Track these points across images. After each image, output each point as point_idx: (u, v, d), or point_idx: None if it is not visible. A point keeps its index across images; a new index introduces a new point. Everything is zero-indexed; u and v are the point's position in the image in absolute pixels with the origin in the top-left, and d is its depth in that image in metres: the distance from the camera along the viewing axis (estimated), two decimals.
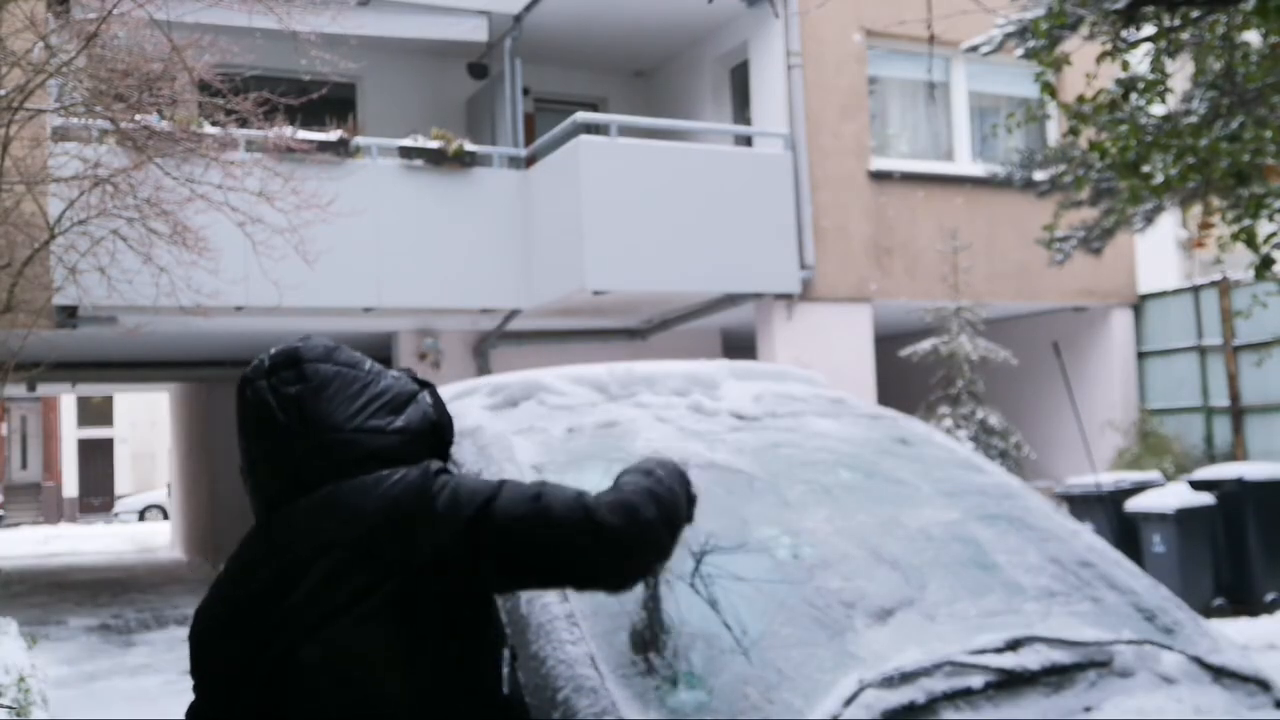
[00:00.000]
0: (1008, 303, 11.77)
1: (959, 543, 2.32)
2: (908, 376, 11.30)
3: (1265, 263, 6.03)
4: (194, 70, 6.65)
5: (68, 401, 31.67)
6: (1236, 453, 11.06)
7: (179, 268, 7.56)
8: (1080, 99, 6.07)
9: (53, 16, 7.64)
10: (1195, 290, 11.82)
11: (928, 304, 10.96)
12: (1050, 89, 6.01)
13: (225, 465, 13.93)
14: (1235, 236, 6.11)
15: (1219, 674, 2.07)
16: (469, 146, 10.18)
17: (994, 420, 10.40)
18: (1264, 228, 6.32)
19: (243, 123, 7.13)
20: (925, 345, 10.65)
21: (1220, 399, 11.34)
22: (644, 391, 2.64)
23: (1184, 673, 2.02)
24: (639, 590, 1.91)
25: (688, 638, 1.91)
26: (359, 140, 9.81)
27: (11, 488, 31.40)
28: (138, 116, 6.75)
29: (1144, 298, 12.35)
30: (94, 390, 25.49)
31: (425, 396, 1.83)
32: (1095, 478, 9.21)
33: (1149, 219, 9.23)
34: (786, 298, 10.59)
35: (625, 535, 1.61)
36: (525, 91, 11.47)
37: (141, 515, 28.52)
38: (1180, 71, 7.32)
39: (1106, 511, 8.70)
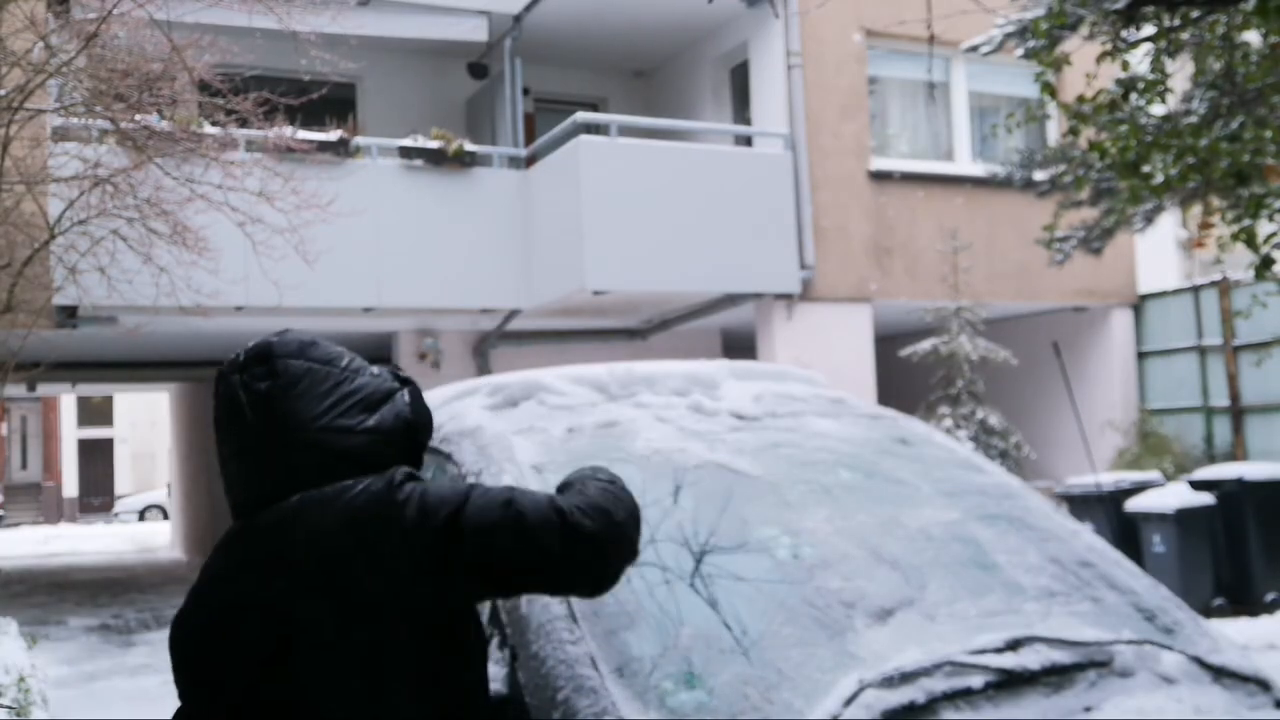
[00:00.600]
0: (1008, 303, 11.77)
1: (959, 543, 2.32)
2: (908, 376, 11.30)
3: (1265, 263, 6.02)
4: (194, 70, 6.65)
5: (68, 401, 31.68)
6: (1236, 453, 11.06)
7: (179, 268, 7.56)
8: (1080, 99, 6.07)
9: (53, 16, 7.64)
10: (1195, 290, 11.82)
11: (928, 304, 10.96)
12: (1050, 89, 6.01)
13: None
14: (1235, 236, 6.11)
15: (1219, 674, 2.07)
16: (469, 146, 10.18)
17: (994, 420, 10.40)
18: (1264, 228, 6.32)
19: (243, 123, 7.13)
20: (925, 345, 10.65)
21: (1220, 399, 11.35)
22: (644, 391, 2.64)
23: (1184, 673, 2.02)
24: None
25: (688, 638, 1.91)
26: (359, 140, 9.81)
27: (11, 488, 31.40)
28: (138, 116, 6.75)
29: (1144, 298, 12.35)
30: (94, 390, 25.49)
31: (403, 395, 1.77)
32: (1095, 478, 9.21)
33: (1149, 219, 9.23)
34: (786, 298, 10.59)
35: (599, 538, 1.57)
36: (525, 91, 11.47)
37: (141, 515, 28.52)
38: (1180, 71, 7.33)
39: (1106, 511, 8.70)
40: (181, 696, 1.67)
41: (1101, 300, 12.12)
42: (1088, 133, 6.64)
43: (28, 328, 7.35)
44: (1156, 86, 5.96)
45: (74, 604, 12.60)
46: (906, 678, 1.83)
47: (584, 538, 1.56)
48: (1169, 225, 14.03)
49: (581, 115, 9.89)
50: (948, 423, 10.28)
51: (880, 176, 11.13)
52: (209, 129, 7.37)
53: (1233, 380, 11.19)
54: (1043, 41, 6.30)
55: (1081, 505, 9.05)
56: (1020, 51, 8.19)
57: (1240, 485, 8.53)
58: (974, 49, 8.96)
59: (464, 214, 10.16)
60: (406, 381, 1.81)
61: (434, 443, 2.48)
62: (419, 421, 1.77)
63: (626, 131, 10.23)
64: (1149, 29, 6.11)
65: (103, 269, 7.27)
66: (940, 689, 1.83)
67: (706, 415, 2.57)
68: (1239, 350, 11.11)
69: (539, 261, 10.23)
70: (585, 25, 11.67)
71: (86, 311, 8.65)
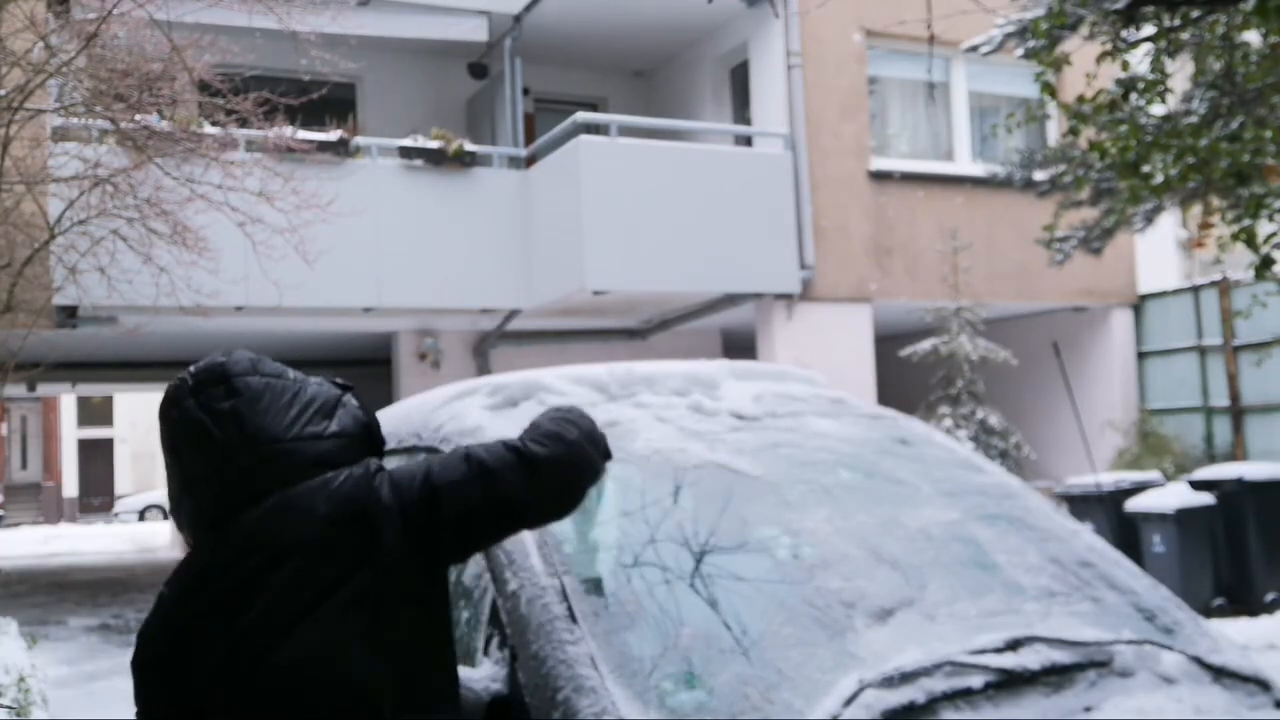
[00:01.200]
0: (1008, 303, 11.77)
1: (959, 543, 2.32)
2: (908, 376, 11.30)
3: (1265, 263, 6.02)
4: (194, 70, 6.65)
5: (68, 401, 31.68)
6: (1236, 453, 11.06)
7: (179, 268, 7.56)
8: (1080, 99, 6.07)
9: (53, 16, 7.64)
10: (1195, 290, 11.82)
11: (928, 304, 10.96)
12: (1050, 89, 6.01)
13: None
14: (1235, 236, 6.11)
15: (1219, 674, 2.06)
16: (469, 146, 10.18)
17: (994, 420, 10.40)
18: (1264, 228, 6.32)
19: (243, 123, 7.13)
20: (925, 345, 10.65)
21: (1220, 399, 11.34)
22: (644, 391, 2.64)
23: (1184, 673, 2.02)
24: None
25: (688, 638, 1.91)
26: (359, 140, 9.81)
27: (11, 488, 31.40)
28: (138, 116, 6.75)
29: (1144, 298, 12.35)
30: (94, 390, 25.49)
31: (350, 399, 1.86)
32: (1095, 478, 9.22)
33: (1149, 219, 9.23)
34: (786, 298, 10.59)
35: (556, 459, 1.71)
36: (525, 91, 11.47)
37: (141, 515, 28.55)
38: (1180, 71, 7.33)
39: (1106, 511, 8.70)
40: (145, 707, 1.67)
41: (1101, 300, 12.11)
42: (1088, 133, 6.64)
43: (28, 328, 7.36)
44: (1156, 86, 5.96)
45: (74, 604, 12.61)
46: (906, 678, 1.83)
47: (541, 462, 1.70)
48: (1169, 225, 14.02)
49: (581, 115, 9.89)
50: (948, 423, 10.28)
51: (880, 176, 11.13)
52: (209, 129, 7.37)
53: (1233, 380, 11.18)
54: (1043, 41, 6.30)
55: (1081, 505, 9.05)
56: (1020, 51, 8.19)
57: (1240, 485, 8.53)
58: (974, 49, 8.96)
59: (464, 214, 10.16)
60: (347, 387, 1.90)
61: (434, 443, 2.48)
62: (372, 423, 1.87)
63: (626, 131, 10.23)
64: (1149, 29, 6.11)
65: (103, 269, 7.27)
66: (940, 689, 1.83)
67: (706, 415, 2.57)
68: (1239, 350, 11.11)
69: (539, 261, 10.23)
70: (585, 25, 11.67)
71: (86, 311, 8.65)
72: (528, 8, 10.89)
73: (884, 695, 1.79)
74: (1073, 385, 10.70)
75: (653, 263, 9.81)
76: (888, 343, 11.93)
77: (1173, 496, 8.48)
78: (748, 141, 11.41)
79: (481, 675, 1.96)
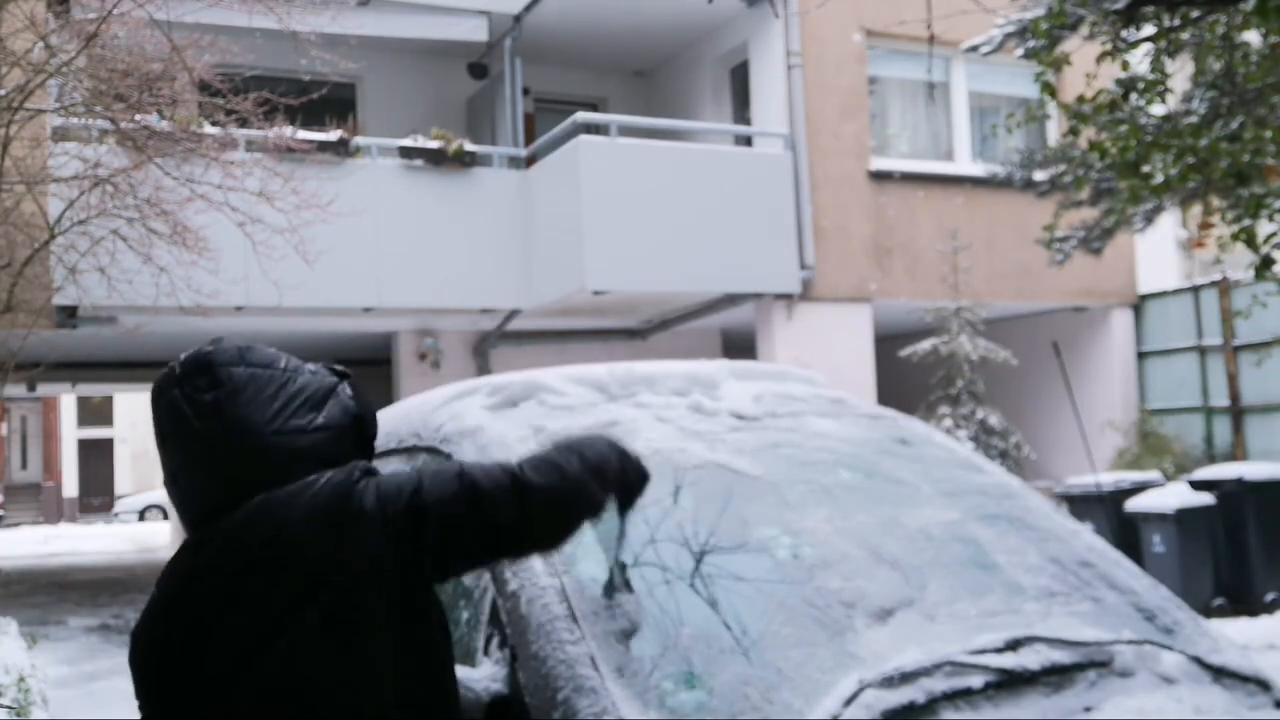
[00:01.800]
0: (1008, 303, 11.77)
1: (959, 543, 2.32)
2: (908, 376, 11.30)
3: (1265, 263, 6.03)
4: (194, 70, 6.65)
5: (68, 401, 31.67)
6: (1236, 453, 11.06)
7: (179, 268, 7.56)
8: (1080, 99, 6.07)
9: (53, 16, 7.64)
10: (1195, 290, 11.82)
11: (928, 304, 10.96)
12: (1050, 89, 6.01)
13: None
14: (1235, 236, 6.11)
15: (1219, 674, 2.06)
16: (469, 146, 10.18)
17: (994, 420, 10.40)
18: (1264, 228, 6.32)
19: (243, 123, 7.12)
20: (925, 345, 10.65)
21: (1220, 399, 11.34)
22: (644, 391, 2.64)
23: (1184, 673, 2.02)
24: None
25: (688, 638, 1.91)
26: (359, 140, 9.82)
27: (11, 488, 31.40)
28: (138, 116, 6.75)
29: (1144, 298, 12.35)
30: (94, 390, 25.47)
31: (344, 388, 1.78)
32: (1095, 478, 9.22)
33: (1149, 219, 9.23)
34: (786, 298, 10.59)
35: (551, 490, 1.64)
36: (525, 91, 11.47)
37: (141, 515, 28.55)
38: (1180, 71, 7.32)
39: (1106, 511, 8.70)
40: (145, 712, 1.66)
41: (1101, 300, 12.11)
42: (1088, 133, 6.64)
43: (28, 328, 7.36)
44: (1156, 86, 5.96)
45: (74, 604, 12.61)
46: (906, 678, 1.83)
47: (535, 493, 1.62)
48: (1169, 225, 14.02)
49: (581, 115, 9.89)
50: (948, 423, 10.28)
51: (880, 176, 11.13)
52: (209, 129, 7.37)
53: (1233, 380, 11.18)
54: (1043, 41, 6.30)
55: (1081, 505, 9.05)
56: (1020, 51, 8.19)
57: (1240, 485, 8.53)
58: (974, 49, 8.97)
59: (464, 214, 10.16)
60: (344, 375, 1.82)
61: (434, 443, 2.48)
62: (364, 413, 1.79)
63: (626, 131, 10.23)
64: (1149, 29, 6.11)
65: (103, 269, 7.27)
66: (940, 689, 1.83)
67: (706, 415, 2.57)
68: (1239, 350, 11.11)
69: (539, 261, 10.23)
70: (585, 25, 11.67)
71: (86, 311, 8.65)
72: (528, 8, 10.89)
73: (884, 695, 1.79)
74: (1073, 385, 10.71)
75: (653, 263, 9.81)
76: (888, 343, 11.93)
77: (1173, 496, 8.48)
78: (748, 141, 11.41)
79: (481, 675, 1.96)
